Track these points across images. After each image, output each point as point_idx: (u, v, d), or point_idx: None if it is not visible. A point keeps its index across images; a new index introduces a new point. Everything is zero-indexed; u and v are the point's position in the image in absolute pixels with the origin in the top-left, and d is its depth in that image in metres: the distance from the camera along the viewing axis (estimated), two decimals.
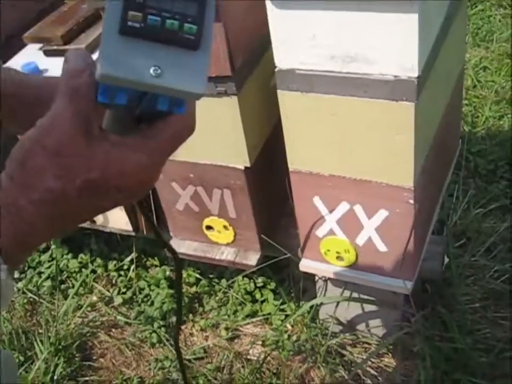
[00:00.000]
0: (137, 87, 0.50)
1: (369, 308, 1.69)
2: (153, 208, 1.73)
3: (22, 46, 1.73)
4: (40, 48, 1.68)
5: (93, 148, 0.51)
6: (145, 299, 2.09)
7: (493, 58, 2.99)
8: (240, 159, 1.45)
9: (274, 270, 1.90)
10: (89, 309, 2.12)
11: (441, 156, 1.59)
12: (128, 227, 1.80)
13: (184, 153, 1.45)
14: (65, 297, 2.14)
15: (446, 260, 1.66)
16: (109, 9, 0.48)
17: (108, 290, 2.15)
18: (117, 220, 1.80)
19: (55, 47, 1.63)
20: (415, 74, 1.13)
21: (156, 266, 2.18)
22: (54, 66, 1.58)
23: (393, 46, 1.11)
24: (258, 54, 1.41)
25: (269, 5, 1.17)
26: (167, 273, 2.12)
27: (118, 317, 2.06)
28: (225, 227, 1.62)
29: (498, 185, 2.32)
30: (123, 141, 0.52)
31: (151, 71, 0.49)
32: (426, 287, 1.78)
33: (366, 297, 1.64)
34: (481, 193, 2.27)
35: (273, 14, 1.17)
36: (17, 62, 1.64)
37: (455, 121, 1.70)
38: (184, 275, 2.09)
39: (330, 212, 1.42)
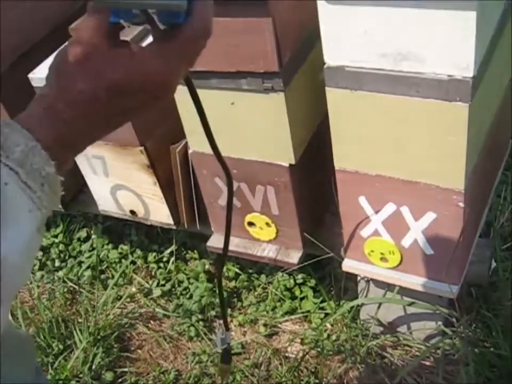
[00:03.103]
0: (127, 7, 0.57)
1: (411, 310, 1.65)
2: (195, 202, 1.72)
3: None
4: None
5: (116, 54, 0.58)
6: (184, 292, 2.09)
7: None
8: (285, 156, 1.42)
9: (314, 268, 1.87)
10: (128, 300, 2.12)
11: (492, 157, 1.54)
12: (170, 220, 1.80)
13: (228, 148, 1.43)
14: (105, 288, 2.15)
15: (493, 264, 1.61)
16: None
17: (147, 282, 2.16)
18: (158, 212, 1.80)
19: None
20: (471, 74, 1.09)
21: (195, 259, 2.17)
22: None
23: (448, 44, 1.07)
24: (306, 50, 1.38)
25: (319, 0, 1.14)
26: (206, 266, 2.11)
27: (157, 309, 2.06)
28: (267, 224, 1.60)
29: None
30: (141, 47, 0.60)
31: None
32: (471, 290, 1.73)
33: (409, 299, 1.61)
34: None
35: (324, 9, 1.14)
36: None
37: (507, 121, 1.64)
38: (224, 269, 2.08)
39: (376, 212, 1.39)
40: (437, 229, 1.35)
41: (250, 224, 1.64)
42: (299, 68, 1.36)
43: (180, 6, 0.57)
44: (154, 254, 2.22)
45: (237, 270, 2.06)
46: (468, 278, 1.50)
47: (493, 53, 1.22)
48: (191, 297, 2.05)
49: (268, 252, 1.64)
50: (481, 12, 1.04)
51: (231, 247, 1.66)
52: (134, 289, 2.15)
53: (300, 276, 1.98)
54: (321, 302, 1.92)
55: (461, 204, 1.27)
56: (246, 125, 1.39)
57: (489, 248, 1.57)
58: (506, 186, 2.05)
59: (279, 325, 1.93)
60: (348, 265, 1.55)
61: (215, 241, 1.72)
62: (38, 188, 0.54)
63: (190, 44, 0.61)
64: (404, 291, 1.57)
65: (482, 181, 1.45)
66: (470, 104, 1.12)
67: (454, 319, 1.59)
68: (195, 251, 2.18)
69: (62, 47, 0.61)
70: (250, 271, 2.07)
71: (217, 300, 2.00)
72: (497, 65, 1.30)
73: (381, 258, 1.48)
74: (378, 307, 1.66)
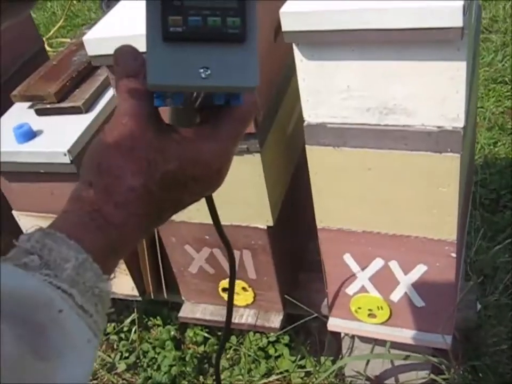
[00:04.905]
0: (189, 90, 0.50)
1: (399, 361, 1.59)
2: (161, 272, 1.61)
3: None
4: (31, 107, 1.56)
5: (166, 141, 0.51)
6: (150, 363, 1.96)
7: (479, 84, 2.96)
8: (263, 219, 1.35)
9: (286, 320, 1.79)
10: (89, 378, 1.97)
11: (467, 196, 1.51)
12: (134, 292, 1.68)
13: (199, 215, 1.34)
14: None
15: (478, 306, 1.57)
16: (148, 16, 0.47)
17: (109, 356, 2.01)
18: (121, 285, 1.67)
19: (48, 106, 1.51)
20: (461, 124, 1.05)
21: (159, 326, 2.05)
22: (49, 126, 1.47)
23: (437, 95, 1.03)
24: (277, 104, 1.32)
25: (297, 55, 1.07)
26: (172, 333, 1.99)
27: None
28: (244, 288, 1.51)
29: (503, 215, 2.27)
30: (192, 132, 0.52)
31: (201, 73, 0.47)
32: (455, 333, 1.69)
33: (396, 351, 1.54)
34: (487, 225, 2.21)
35: (303, 66, 1.08)
36: (7, 124, 1.51)
37: (472, 156, 1.63)
38: (191, 334, 1.97)
39: (363, 269, 1.33)
40: (428, 280, 1.29)
41: (225, 289, 1.54)
42: (271, 125, 1.29)
43: (252, 87, 0.48)
44: (113, 324, 2.07)
45: (206, 334, 1.95)
46: (457, 324, 1.46)
47: (471, 95, 1.19)
48: (159, 368, 1.93)
49: (247, 317, 1.55)
50: (468, 60, 1.01)
51: (206, 317, 1.56)
52: (95, 366, 2.00)
53: (272, 333, 1.89)
54: (300, 359, 1.83)
55: (453, 254, 1.23)
56: (219, 189, 1.31)
57: (473, 291, 1.53)
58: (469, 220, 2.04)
59: None
60: (334, 324, 1.47)
61: (187, 311, 1.61)
62: (93, 309, 0.46)
63: (242, 124, 0.54)
64: (391, 344, 1.51)
65: (464, 222, 1.42)
66: (461, 154, 1.08)
67: (444, 367, 1.53)
68: (158, 317, 2.05)
69: (97, 138, 0.52)
70: (219, 333, 1.96)
71: (188, 368, 1.89)
72: (473, 106, 1.27)
73: (369, 315, 1.41)
74: (367, 363, 1.59)
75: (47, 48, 4.14)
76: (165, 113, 0.56)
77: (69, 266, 0.45)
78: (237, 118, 0.53)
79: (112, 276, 0.50)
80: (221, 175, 0.54)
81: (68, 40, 4.31)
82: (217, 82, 0.47)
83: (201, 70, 0.47)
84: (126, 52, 0.54)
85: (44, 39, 4.17)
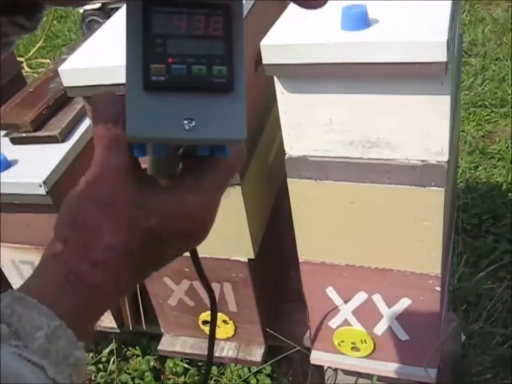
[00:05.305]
0: (172, 143, 0.47)
1: None
2: (140, 304, 1.57)
3: None
4: (6, 135, 1.52)
5: (147, 195, 0.47)
6: None
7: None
8: (244, 251, 1.32)
9: (268, 353, 1.76)
10: None
11: (451, 224, 1.49)
12: (112, 324, 1.63)
13: None
14: None
15: (463, 337, 1.55)
16: (129, 62, 0.43)
17: None
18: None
19: (24, 135, 1.47)
20: (445, 158, 1.03)
21: (137, 356, 2.00)
22: (24, 156, 1.43)
23: (421, 129, 1.01)
24: (257, 135, 1.30)
25: (278, 87, 1.05)
26: (151, 363, 1.95)
27: None
28: (224, 321, 1.48)
29: (485, 240, 2.26)
30: (175, 184, 0.49)
31: (184, 124, 0.43)
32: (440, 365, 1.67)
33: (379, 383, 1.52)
34: (470, 250, 2.20)
35: (284, 98, 1.06)
36: None
37: (455, 183, 1.62)
38: (171, 364, 1.93)
39: (346, 302, 1.30)
40: (412, 314, 1.27)
41: (205, 322, 1.50)
42: (252, 157, 1.27)
43: (239, 139, 0.45)
44: (91, 354, 2.02)
45: (186, 365, 1.91)
46: (442, 357, 1.43)
47: (454, 127, 1.17)
48: None
49: (228, 351, 1.51)
50: (452, 94, 0.99)
51: (186, 350, 1.52)
52: None
53: None
54: None
55: (438, 288, 1.20)
56: None
57: (457, 322, 1.51)
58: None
59: None
60: (316, 357, 1.44)
61: (167, 344, 1.57)
62: (67, 380, 0.41)
63: (228, 174, 0.51)
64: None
65: (446, 254, 1.40)
66: (445, 188, 1.06)
67: None
68: (137, 347, 2.01)
69: (72, 190, 0.48)
70: (199, 364, 1.92)
71: None
72: (456, 136, 1.26)
73: (352, 348, 1.38)
74: None
75: (27, 68, 4.12)
76: (144, 161, 0.53)
77: (41, 335, 0.41)
78: (222, 168, 0.50)
79: (90, 338, 0.46)
80: (207, 227, 0.51)
81: (48, 60, 4.28)
82: (202, 134, 0.44)
83: (185, 122, 0.44)
84: (104, 97, 0.50)
85: (23, 59, 4.14)
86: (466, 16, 3.85)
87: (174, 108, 0.44)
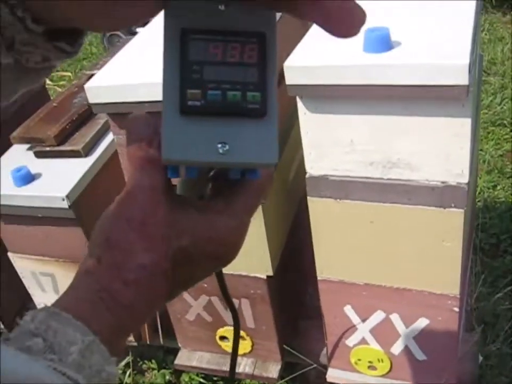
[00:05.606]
0: (205, 166, 0.48)
1: None
2: (158, 318, 1.58)
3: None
4: (29, 149, 1.54)
5: (178, 215, 0.47)
6: None
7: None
8: (262, 268, 1.32)
9: (284, 369, 1.76)
10: None
11: (469, 244, 1.49)
12: (130, 338, 1.65)
13: None
14: None
15: (480, 358, 1.54)
16: (166, 89, 0.44)
17: None
18: None
19: (47, 149, 1.49)
20: (466, 180, 1.04)
21: (154, 369, 2.01)
22: (48, 170, 1.45)
23: (440, 151, 1.02)
24: (278, 154, 1.31)
25: (301, 108, 1.07)
26: (167, 377, 1.95)
27: None
28: (242, 337, 1.48)
29: (503, 260, 2.25)
30: (206, 205, 0.50)
31: (218, 148, 0.44)
32: None
33: None
34: (488, 270, 2.19)
35: (306, 118, 1.07)
36: (5, 166, 1.50)
37: (474, 203, 1.62)
38: (186, 379, 1.93)
39: (363, 320, 1.31)
40: (430, 334, 1.27)
41: (223, 338, 1.51)
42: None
43: (271, 164, 0.46)
44: None
45: (201, 380, 1.91)
46: (459, 377, 1.43)
47: (474, 148, 1.18)
48: None
49: (244, 366, 1.51)
50: (473, 116, 1.00)
51: (203, 365, 1.53)
52: None
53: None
54: None
55: (456, 309, 1.21)
56: None
57: (474, 342, 1.50)
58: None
59: None
60: (333, 375, 1.44)
61: (184, 359, 1.58)
62: None
63: (258, 197, 0.51)
64: None
65: (465, 274, 1.40)
66: (465, 209, 1.06)
67: None
68: (153, 361, 2.02)
69: (106, 210, 0.49)
70: (214, 378, 1.93)
71: None
72: (475, 157, 1.26)
73: (369, 367, 1.39)
74: None
75: (48, 81, 4.17)
76: (173, 180, 0.55)
77: (75, 350, 0.41)
78: (253, 191, 0.50)
79: (121, 354, 0.47)
80: (236, 250, 0.51)
81: (69, 73, 4.33)
82: (235, 158, 0.44)
83: (219, 146, 0.44)
84: (138, 118, 0.51)
85: None
86: (485, 35, 3.85)
87: (209, 132, 0.44)
